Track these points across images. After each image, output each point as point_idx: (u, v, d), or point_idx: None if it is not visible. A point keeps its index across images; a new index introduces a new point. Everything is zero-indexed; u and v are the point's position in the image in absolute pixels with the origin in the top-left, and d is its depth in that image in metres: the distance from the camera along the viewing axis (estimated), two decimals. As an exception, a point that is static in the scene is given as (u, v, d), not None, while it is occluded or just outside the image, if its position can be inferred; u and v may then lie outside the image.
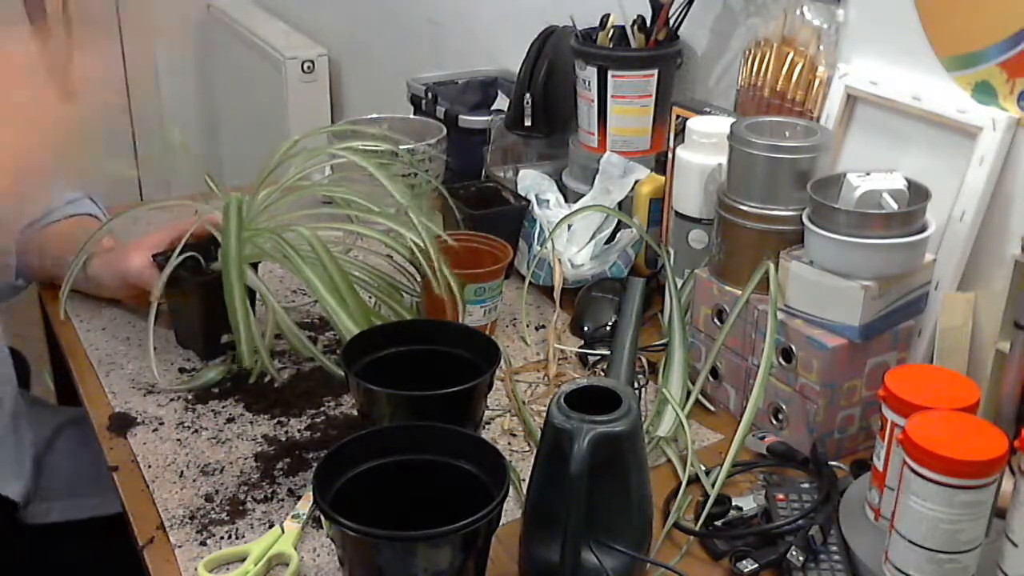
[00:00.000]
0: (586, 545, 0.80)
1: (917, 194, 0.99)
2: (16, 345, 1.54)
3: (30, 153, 1.01)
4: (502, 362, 0.99)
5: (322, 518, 0.84)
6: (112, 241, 1.25)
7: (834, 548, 0.88)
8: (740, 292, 1.05)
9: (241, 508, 0.95)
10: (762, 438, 1.04)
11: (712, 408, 1.12)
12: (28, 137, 1.00)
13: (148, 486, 0.97)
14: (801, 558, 0.86)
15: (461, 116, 1.58)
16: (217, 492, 0.97)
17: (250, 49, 2.63)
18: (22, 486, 1.22)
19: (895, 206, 0.97)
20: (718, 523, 0.93)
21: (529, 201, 1.36)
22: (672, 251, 1.21)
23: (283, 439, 1.04)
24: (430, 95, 1.65)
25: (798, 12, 1.20)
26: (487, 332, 1.19)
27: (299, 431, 1.06)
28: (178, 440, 1.04)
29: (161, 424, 1.06)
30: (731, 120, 1.13)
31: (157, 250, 1.17)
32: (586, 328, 1.24)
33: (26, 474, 1.24)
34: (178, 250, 1.10)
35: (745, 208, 1.06)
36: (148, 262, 1.16)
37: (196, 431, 1.06)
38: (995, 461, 0.76)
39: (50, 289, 1.33)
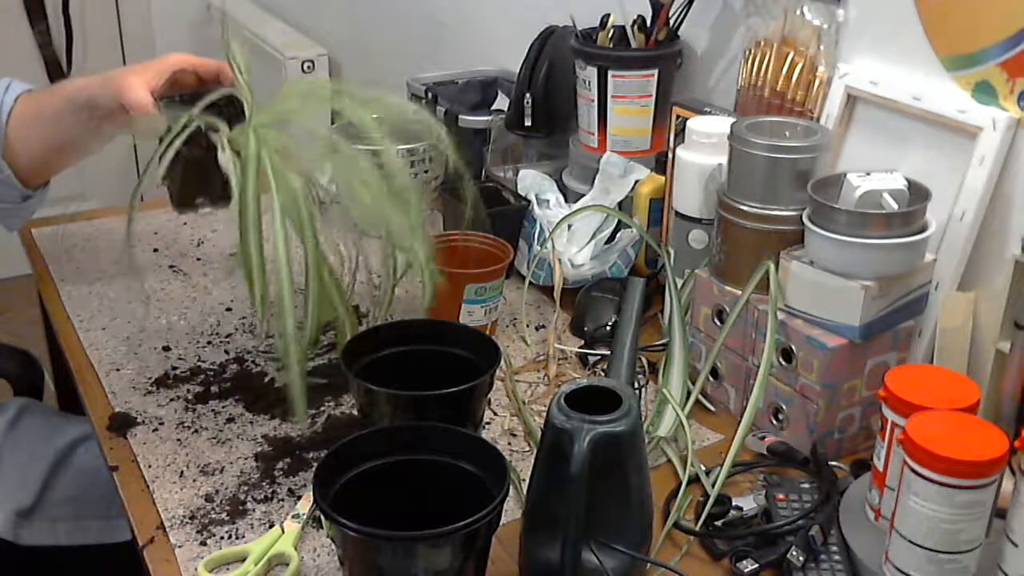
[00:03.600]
0: (586, 545, 0.80)
1: (917, 194, 0.99)
2: (16, 345, 1.55)
3: None
4: (502, 362, 0.99)
5: (322, 518, 0.84)
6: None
7: (834, 548, 0.88)
8: (740, 292, 1.05)
9: (241, 508, 0.95)
10: (762, 438, 1.04)
11: (712, 408, 1.12)
12: None
13: (148, 486, 0.98)
14: (801, 558, 0.86)
15: (461, 116, 1.58)
16: (217, 492, 0.97)
17: (250, 49, 2.62)
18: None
19: (895, 206, 0.97)
20: (718, 523, 0.93)
21: (529, 201, 1.36)
22: (672, 251, 1.21)
23: (283, 439, 1.04)
24: (430, 95, 1.64)
25: (798, 12, 1.20)
26: (487, 332, 1.19)
27: (299, 431, 1.06)
28: (178, 440, 1.04)
29: (161, 424, 1.06)
30: (731, 120, 1.13)
31: (157, 81, 1.07)
32: (586, 328, 1.24)
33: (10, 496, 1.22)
34: (198, 108, 1.01)
35: (745, 208, 1.06)
36: (146, 94, 1.07)
37: (196, 431, 1.06)
38: (995, 461, 0.76)
39: (49, 287, 1.33)
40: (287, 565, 0.88)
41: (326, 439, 1.04)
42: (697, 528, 0.91)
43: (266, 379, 1.14)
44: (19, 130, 1.20)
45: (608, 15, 1.38)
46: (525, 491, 0.85)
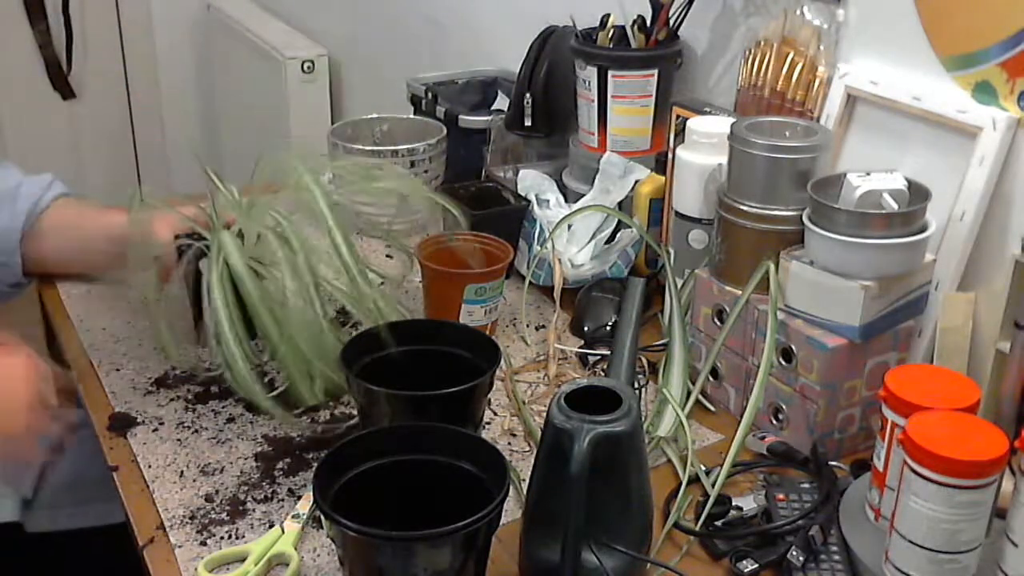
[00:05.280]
0: (586, 545, 0.80)
1: (917, 194, 0.99)
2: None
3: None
4: (502, 362, 0.99)
5: (322, 518, 0.84)
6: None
7: (834, 548, 0.88)
8: (740, 292, 1.05)
9: (241, 508, 0.95)
10: (762, 438, 1.04)
11: (712, 408, 1.12)
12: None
13: (148, 486, 0.98)
14: (801, 558, 0.86)
15: (461, 116, 1.58)
16: (217, 492, 0.97)
17: (250, 49, 2.63)
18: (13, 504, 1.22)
19: (895, 206, 0.97)
20: (718, 523, 0.93)
21: (529, 201, 1.36)
22: (672, 251, 1.21)
23: (283, 439, 1.04)
24: (430, 95, 1.65)
25: (798, 12, 1.20)
26: (487, 332, 1.19)
27: (299, 431, 1.06)
28: (178, 440, 1.04)
29: (161, 424, 1.06)
30: (731, 120, 1.13)
31: (179, 230, 1.13)
32: (586, 328, 1.24)
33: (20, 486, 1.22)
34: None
35: (745, 208, 1.06)
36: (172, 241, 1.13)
37: (196, 431, 1.06)
38: (995, 461, 0.76)
39: (49, 287, 1.33)
40: (287, 565, 0.88)
41: (326, 439, 1.04)
42: (697, 528, 0.91)
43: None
44: (50, 233, 1.26)
45: (608, 15, 1.38)
46: (525, 491, 0.85)
